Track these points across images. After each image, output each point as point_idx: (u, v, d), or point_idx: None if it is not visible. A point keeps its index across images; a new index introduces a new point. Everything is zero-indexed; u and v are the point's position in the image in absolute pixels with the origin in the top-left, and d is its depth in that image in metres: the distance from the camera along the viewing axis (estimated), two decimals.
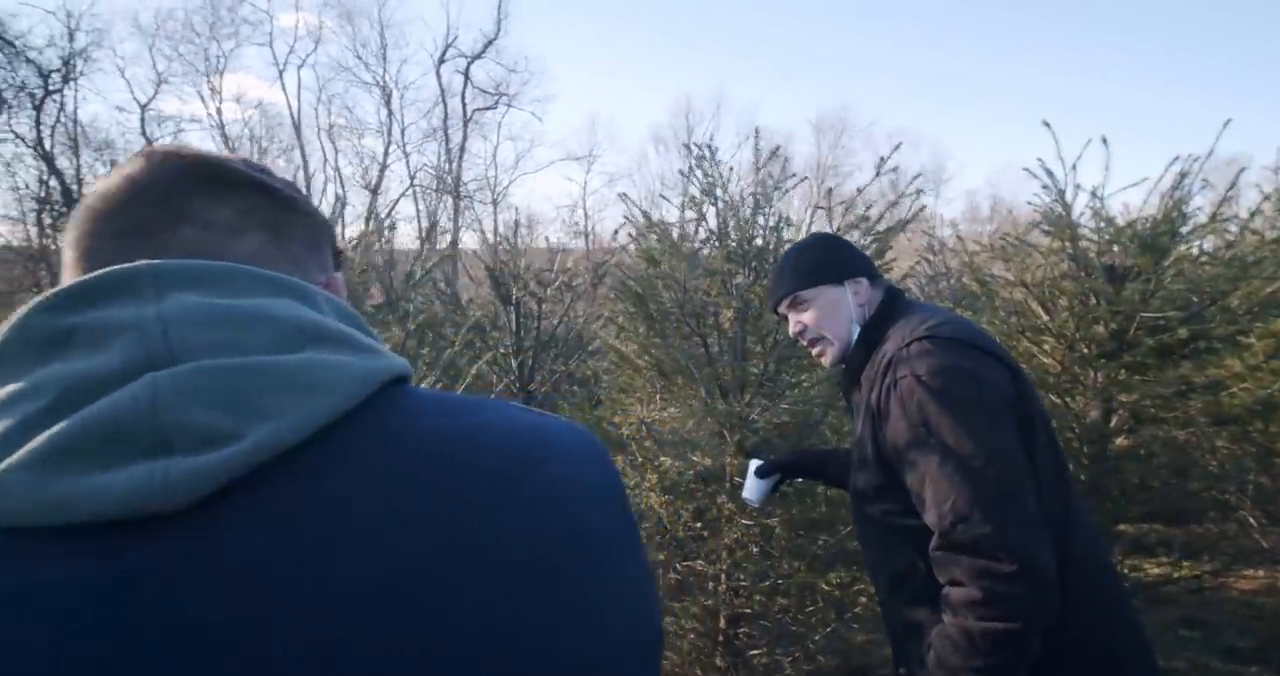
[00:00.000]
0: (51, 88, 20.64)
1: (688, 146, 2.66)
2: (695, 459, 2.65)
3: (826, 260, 1.48)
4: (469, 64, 27.54)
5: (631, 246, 2.78)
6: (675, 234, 2.72)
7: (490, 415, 0.50)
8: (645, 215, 2.75)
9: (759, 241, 2.80)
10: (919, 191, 3.00)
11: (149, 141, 25.37)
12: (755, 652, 2.69)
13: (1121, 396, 3.07)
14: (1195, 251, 3.01)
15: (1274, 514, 4.09)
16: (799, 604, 2.44)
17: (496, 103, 28.34)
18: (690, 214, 2.63)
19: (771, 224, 2.88)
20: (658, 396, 2.70)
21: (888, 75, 47.21)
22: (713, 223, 2.76)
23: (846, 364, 1.45)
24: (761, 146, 2.82)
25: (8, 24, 18.75)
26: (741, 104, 59.78)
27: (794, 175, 2.84)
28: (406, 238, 28.26)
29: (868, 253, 3.17)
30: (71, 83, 21.53)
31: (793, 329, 1.49)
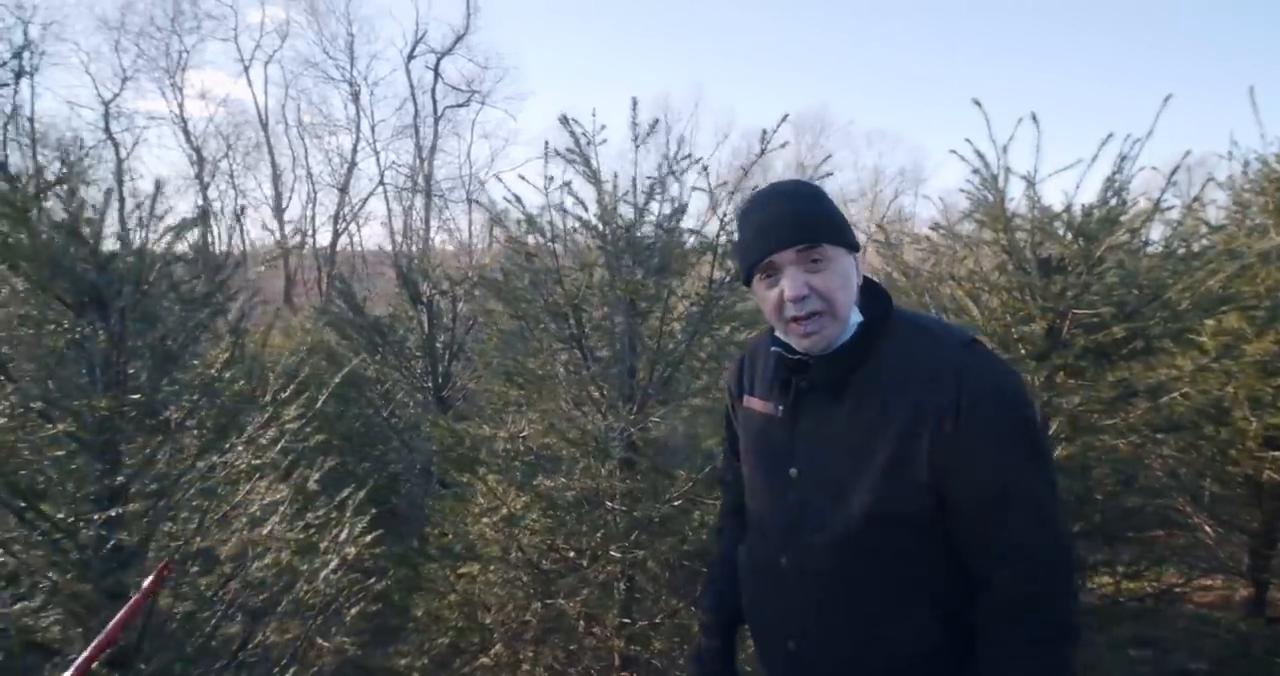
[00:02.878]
0: (1, 82, 19.93)
1: (561, 119, 2.33)
2: (572, 480, 2.32)
3: (843, 219, 1.17)
4: (439, 60, 27.05)
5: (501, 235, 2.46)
6: (549, 223, 2.39)
7: None
8: (516, 198, 2.42)
9: (648, 229, 2.49)
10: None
11: (112, 138, 24.56)
12: None
13: (1059, 401, 2.79)
14: (1136, 242, 2.72)
15: (1230, 522, 3.84)
16: (679, 645, 2.12)
17: (469, 100, 27.85)
18: (560, 196, 2.30)
19: (666, 211, 2.57)
20: (529, 408, 2.37)
21: (866, 75, 47.11)
22: (593, 209, 2.44)
23: (833, 357, 1.15)
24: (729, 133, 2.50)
25: None
26: (721, 102, 59.44)
27: (688, 156, 2.52)
28: (380, 237, 27.72)
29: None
30: (26, 78, 20.81)
31: (794, 289, 1.13)
